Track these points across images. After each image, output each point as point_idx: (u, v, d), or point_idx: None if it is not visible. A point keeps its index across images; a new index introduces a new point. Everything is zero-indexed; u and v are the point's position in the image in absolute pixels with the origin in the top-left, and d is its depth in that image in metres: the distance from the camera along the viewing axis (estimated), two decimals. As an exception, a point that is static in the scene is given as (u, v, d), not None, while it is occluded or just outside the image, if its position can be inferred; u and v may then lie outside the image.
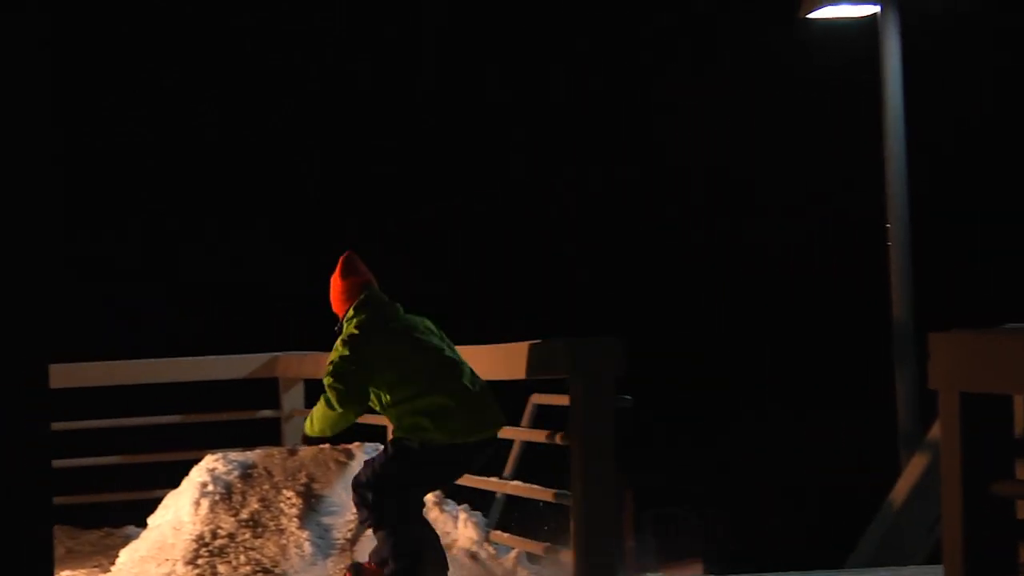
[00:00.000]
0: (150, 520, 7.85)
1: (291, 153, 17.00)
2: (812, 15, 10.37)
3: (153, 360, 10.45)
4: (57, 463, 8.92)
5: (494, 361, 7.28)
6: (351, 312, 6.50)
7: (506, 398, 7.93)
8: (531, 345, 6.93)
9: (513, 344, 7.11)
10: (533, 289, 16.37)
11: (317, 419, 6.47)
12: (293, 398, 10.28)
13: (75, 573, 8.38)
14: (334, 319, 6.61)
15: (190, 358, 10.53)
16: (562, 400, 6.76)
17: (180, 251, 16.00)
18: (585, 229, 17.44)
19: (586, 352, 6.57)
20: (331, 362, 6.46)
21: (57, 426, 9.30)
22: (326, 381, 6.44)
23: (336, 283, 6.61)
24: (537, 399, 7.39)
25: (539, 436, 7.14)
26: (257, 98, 17.01)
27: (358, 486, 6.54)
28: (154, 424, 10.77)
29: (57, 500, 9.22)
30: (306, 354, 10.09)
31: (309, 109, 17.27)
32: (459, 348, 6.82)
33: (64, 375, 9.86)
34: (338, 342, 6.51)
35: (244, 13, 16.53)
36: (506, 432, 7.36)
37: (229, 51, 16.87)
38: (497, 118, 17.34)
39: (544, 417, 7.33)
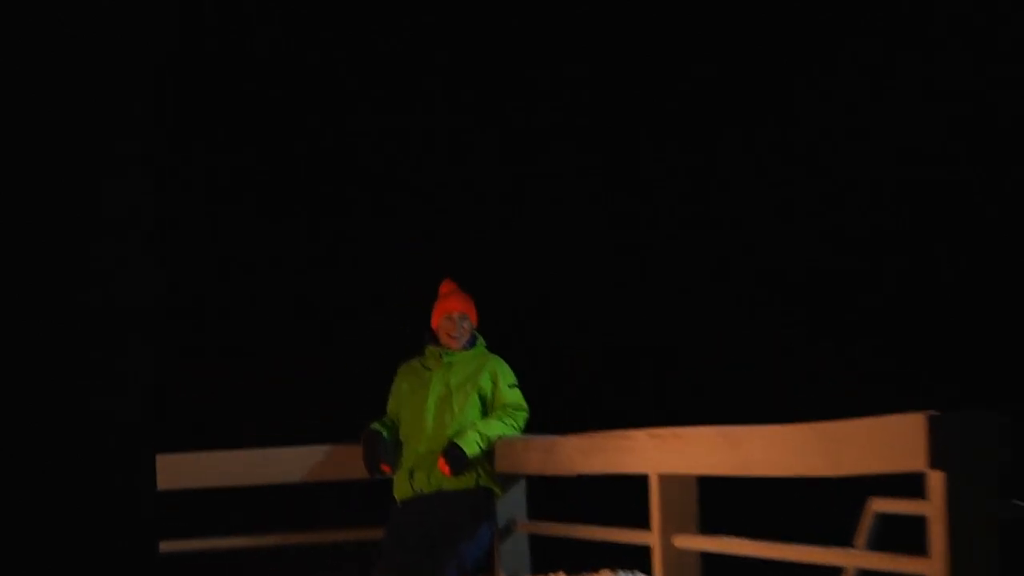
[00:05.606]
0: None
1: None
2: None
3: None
4: None
5: (806, 447, 5.71)
6: (483, 345, 8.03)
7: (829, 500, 7.23)
8: (864, 424, 5.41)
9: (834, 422, 5.57)
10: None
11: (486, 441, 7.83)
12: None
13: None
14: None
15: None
16: (916, 507, 5.79)
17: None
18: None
19: (953, 433, 5.10)
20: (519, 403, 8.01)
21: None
22: (522, 412, 7.92)
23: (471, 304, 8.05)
24: (878, 505, 6.49)
25: (884, 562, 5.57)
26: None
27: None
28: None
29: None
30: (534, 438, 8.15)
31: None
32: (752, 427, 6.13)
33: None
34: (514, 387, 7.99)
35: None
36: (835, 557, 6.16)
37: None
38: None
39: (889, 532, 6.36)
